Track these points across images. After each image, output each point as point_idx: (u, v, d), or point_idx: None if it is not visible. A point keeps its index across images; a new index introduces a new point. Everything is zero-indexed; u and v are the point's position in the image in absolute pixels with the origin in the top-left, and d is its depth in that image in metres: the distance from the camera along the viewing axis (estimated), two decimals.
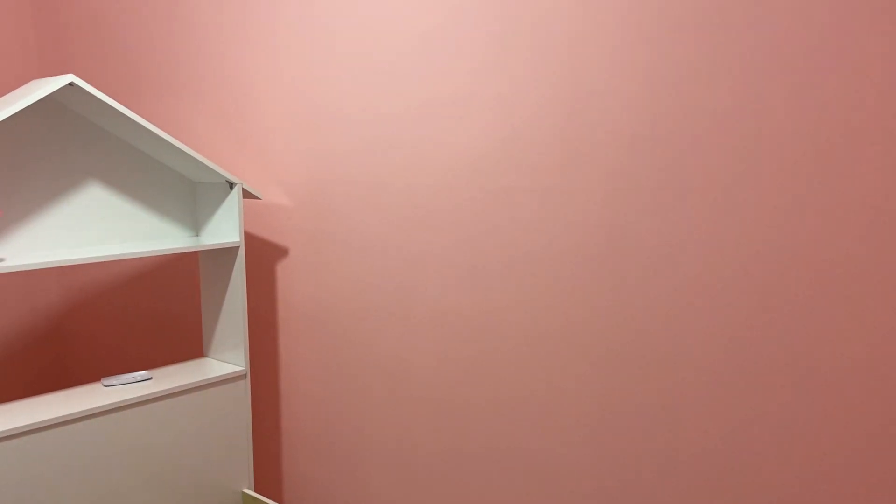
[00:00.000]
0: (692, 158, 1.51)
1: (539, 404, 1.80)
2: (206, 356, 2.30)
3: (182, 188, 2.23)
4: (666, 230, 1.56)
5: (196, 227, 2.27)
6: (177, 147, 1.99)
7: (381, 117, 1.99)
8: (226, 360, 2.22)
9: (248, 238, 2.40)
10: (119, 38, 2.71)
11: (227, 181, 2.12)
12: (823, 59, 1.35)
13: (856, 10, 1.31)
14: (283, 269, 2.31)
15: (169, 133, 2.57)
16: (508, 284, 1.81)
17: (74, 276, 3.08)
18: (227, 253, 2.16)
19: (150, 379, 2.06)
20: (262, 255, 2.37)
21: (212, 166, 2.05)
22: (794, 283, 1.42)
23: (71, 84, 1.76)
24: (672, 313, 1.57)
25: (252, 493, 2.16)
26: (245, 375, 2.16)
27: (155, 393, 1.97)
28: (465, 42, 1.80)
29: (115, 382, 2.02)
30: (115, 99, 2.76)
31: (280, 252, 2.32)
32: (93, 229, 2.05)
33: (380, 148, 2.01)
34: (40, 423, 1.76)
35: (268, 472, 2.46)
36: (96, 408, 1.86)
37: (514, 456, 1.86)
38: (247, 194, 2.20)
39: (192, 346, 2.63)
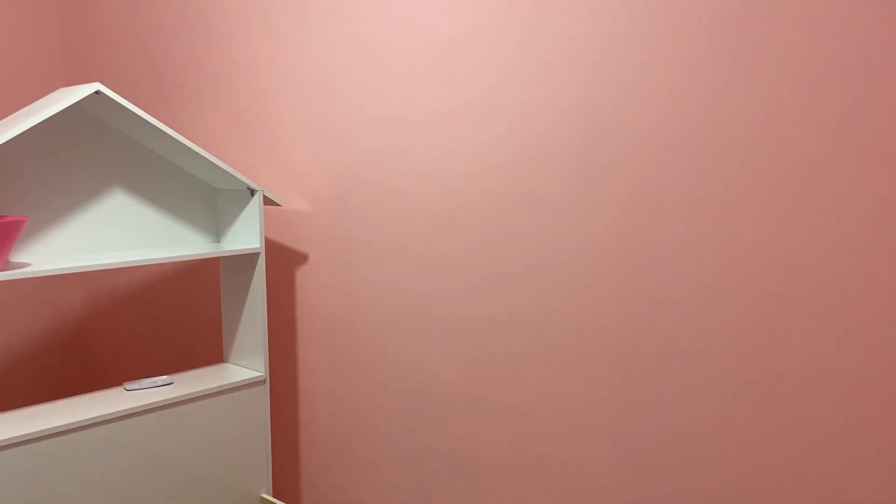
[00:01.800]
0: (712, 166, 1.50)
1: (559, 411, 1.80)
2: (226, 362, 2.31)
3: (204, 195, 2.25)
4: (686, 238, 1.56)
5: (218, 233, 2.30)
6: (199, 154, 2.01)
7: (401, 124, 2.00)
8: (245, 365, 2.23)
9: (268, 244, 2.42)
10: (142, 46, 2.74)
11: (249, 188, 2.14)
12: (842, 68, 1.34)
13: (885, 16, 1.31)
14: (303, 275, 2.33)
15: (190, 140, 2.60)
16: (528, 291, 1.82)
17: (98, 280, 3.11)
18: (248, 259, 2.18)
19: (172, 384, 2.08)
20: (282, 260, 2.39)
21: (233, 173, 2.07)
22: (814, 289, 1.41)
23: (97, 92, 1.79)
24: (692, 320, 1.57)
25: (271, 498, 2.17)
26: (264, 381, 2.18)
27: (176, 397, 1.99)
28: (488, 50, 1.81)
29: (136, 387, 2.05)
30: (137, 106, 2.79)
31: (299, 258, 2.33)
32: (116, 235, 2.08)
33: (400, 154, 2.02)
34: (63, 426, 1.78)
35: (286, 477, 2.47)
36: (119, 412, 1.88)
37: (534, 463, 1.86)
38: (267, 201, 2.22)
39: (211, 352, 2.65)
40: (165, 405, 1.98)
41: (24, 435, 1.72)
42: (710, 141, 1.50)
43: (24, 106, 3.03)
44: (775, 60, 1.41)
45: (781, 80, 1.41)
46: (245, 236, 2.19)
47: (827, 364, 1.41)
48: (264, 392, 2.18)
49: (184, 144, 1.98)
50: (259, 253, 2.15)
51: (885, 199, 1.33)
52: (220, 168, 2.06)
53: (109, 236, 2.07)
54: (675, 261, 1.58)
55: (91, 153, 2.01)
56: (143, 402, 1.93)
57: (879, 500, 1.38)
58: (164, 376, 2.12)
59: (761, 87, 1.43)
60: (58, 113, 1.93)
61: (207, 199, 2.26)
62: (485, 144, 1.84)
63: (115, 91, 2.88)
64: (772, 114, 1.43)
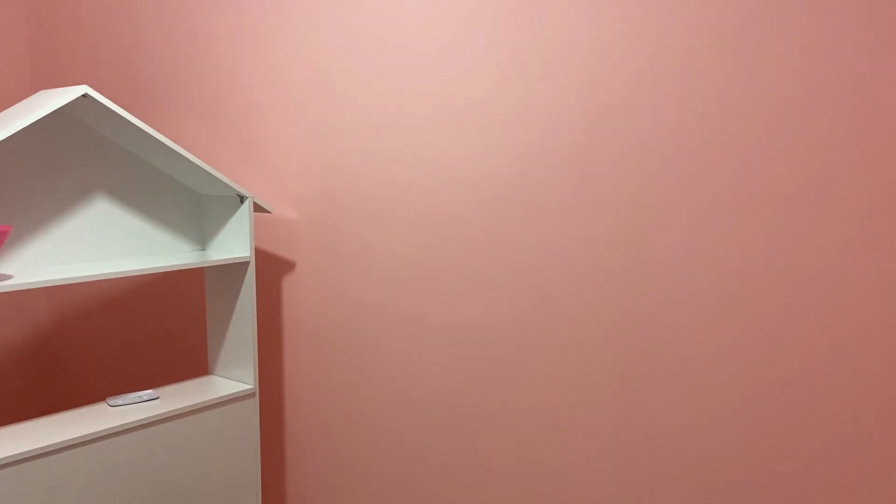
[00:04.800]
0: (713, 172, 1.50)
1: (556, 420, 1.78)
2: (212, 374, 2.24)
3: (188, 201, 2.18)
4: (685, 244, 1.55)
5: (202, 241, 2.22)
6: (188, 159, 1.94)
7: (393, 130, 1.96)
8: (233, 377, 2.16)
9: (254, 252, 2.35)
10: (116, 47, 2.64)
11: (238, 195, 2.07)
12: (845, 70, 1.35)
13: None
14: (289, 284, 2.27)
15: None
16: (524, 299, 1.79)
17: (74, 289, 2.99)
18: (236, 268, 2.11)
19: (158, 398, 2.00)
20: (267, 268, 2.32)
21: (223, 179, 2.00)
22: (815, 294, 1.41)
23: (85, 95, 1.70)
24: (691, 327, 1.56)
25: None
26: (254, 394, 2.11)
27: (164, 413, 1.91)
28: (483, 53, 1.77)
29: (121, 402, 1.96)
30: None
31: (286, 266, 2.27)
32: (98, 244, 1.99)
33: (392, 161, 1.97)
34: (49, 446, 1.69)
35: (273, 491, 2.40)
36: (107, 429, 1.79)
37: (531, 472, 1.83)
38: (256, 207, 2.15)
39: (194, 363, 2.57)
40: (153, 421, 1.90)
41: (5, 457, 1.63)
42: (711, 146, 1.50)
43: None
44: (776, 65, 1.41)
45: (783, 84, 1.41)
46: (232, 244, 2.12)
47: (828, 369, 1.42)
48: (254, 405, 2.11)
49: (172, 149, 1.90)
50: (249, 262, 2.08)
51: (887, 203, 1.34)
52: (208, 174, 1.99)
53: (91, 245, 1.98)
54: (675, 267, 1.57)
55: (72, 158, 1.92)
56: (131, 419, 1.85)
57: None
58: (149, 390, 2.04)
59: (763, 91, 1.43)
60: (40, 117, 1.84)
61: (192, 205, 2.19)
62: (479, 150, 1.81)
63: None
64: (773, 118, 1.42)
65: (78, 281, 1.72)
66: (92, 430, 1.77)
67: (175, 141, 2.52)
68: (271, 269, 2.31)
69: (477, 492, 1.94)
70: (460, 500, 1.97)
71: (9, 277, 1.68)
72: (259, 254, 2.33)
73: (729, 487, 1.56)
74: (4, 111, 1.89)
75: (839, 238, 1.40)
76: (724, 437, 1.56)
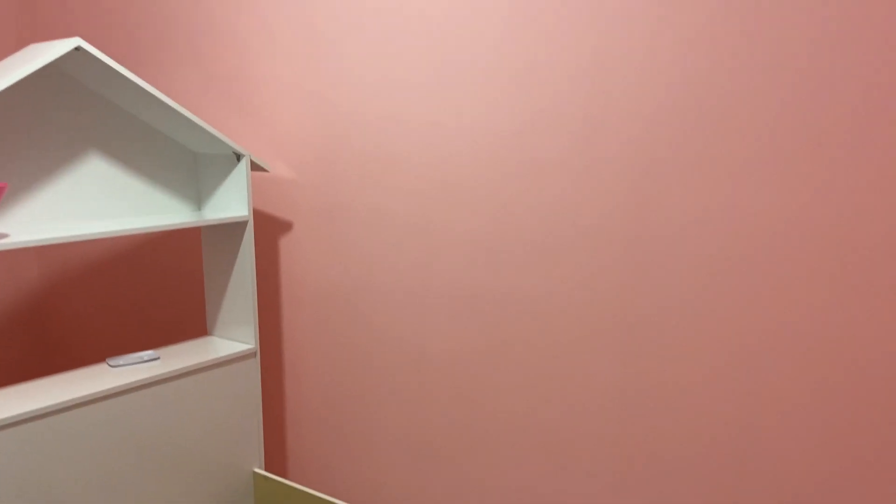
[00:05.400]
0: (719, 131, 1.48)
1: (560, 382, 1.78)
2: (211, 335, 2.22)
3: (183, 160, 2.14)
4: (692, 205, 1.53)
5: (198, 200, 2.19)
6: (184, 116, 1.90)
7: (396, 87, 1.92)
8: (233, 338, 2.15)
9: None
10: (111, 1, 2.57)
11: (235, 153, 2.03)
12: (845, 35, 1.32)
13: None
14: (288, 246, 2.24)
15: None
16: (530, 261, 1.78)
17: (67, 250, 2.95)
18: (234, 228, 2.08)
19: (158, 359, 1.99)
20: (265, 229, 2.30)
21: (220, 137, 1.96)
22: (822, 260, 1.40)
23: (77, 48, 1.65)
24: (697, 290, 1.55)
25: (263, 472, 2.11)
26: (255, 353, 2.10)
27: (165, 373, 1.90)
28: (486, 12, 1.73)
29: (121, 363, 1.95)
30: None
31: (284, 227, 2.24)
32: (92, 203, 1.96)
33: (394, 119, 1.94)
34: (49, 406, 1.68)
35: (274, 451, 2.41)
36: (108, 389, 1.78)
37: (533, 434, 1.84)
38: (253, 166, 2.11)
39: (193, 324, 2.55)
40: (155, 381, 1.89)
41: (5, 418, 1.62)
42: (720, 107, 1.47)
43: None
44: (789, 29, 1.38)
45: (795, 48, 1.38)
46: (230, 204, 2.09)
47: (831, 325, 1.42)
48: (255, 365, 2.10)
49: (169, 106, 1.86)
50: (247, 221, 2.05)
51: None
52: (204, 131, 1.95)
53: (85, 204, 1.94)
54: (682, 229, 1.56)
55: (65, 115, 1.88)
56: (132, 379, 1.84)
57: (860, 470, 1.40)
58: (149, 351, 2.03)
59: (774, 52, 1.40)
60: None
61: (187, 164, 2.15)
62: (485, 109, 1.78)
63: None
64: (786, 80, 1.40)
65: (72, 240, 1.69)
66: (93, 391, 1.76)
67: (170, 97, 2.46)
68: (268, 229, 2.29)
69: (479, 449, 1.94)
70: (463, 457, 1.98)
71: (5, 236, 1.65)
72: (256, 214, 2.30)
73: (731, 446, 1.57)
74: None
75: (856, 206, 1.38)
76: (727, 398, 1.56)
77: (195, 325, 2.54)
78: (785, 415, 1.50)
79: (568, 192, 1.70)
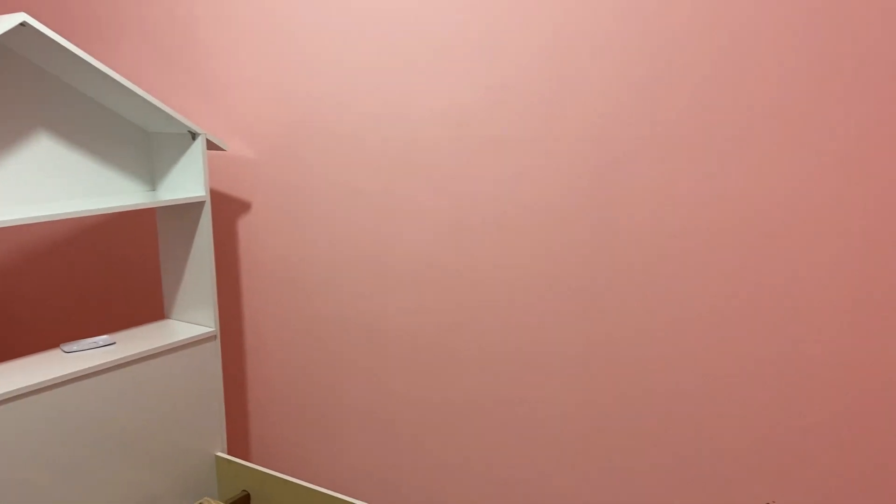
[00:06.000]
0: (680, 110, 1.49)
1: (522, 357, 1.78)
2: (169, 318, 2.18)
3: (136, 139, 2.08)
4: (652, 178, 1.54)
5: (152, 181, 2.13)
6: (135, 93, 1.84)
7: (356, 63, 1.89)
8: (192, 320, 2.11)
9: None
10: None
11: (190, 131, 1.98)
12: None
13: None
14: (246, 225, 2.20)
15: None
16: (492, 235, 1.77)
17: (18, 235, 2.86)
18: (191, 208, 2.04)
19: (114, 344, 1.94)
20: (222, 210, 2.25)
21: (174, 115, 1.91)
22: (779, 223, 1.43)
23: (23, 24, 1.59)
24: (658, 265, 1.57)
25: (226, 455, 2.09)
26: (215, 336, 2.06)
27: (121, 358, 1.85)
28: None
29: (75, 348, 1.90)
30: None
31: (242, 207, 2.20)
32: (41, 185, 1.89)
33: (354, 95, 1.91)
34: (2, 395, 1.63)
35: (237, 434, 2.38)
36: (62, 376, 1.73)
37: (498, 407, 1.85)
38: (209, 145, 2.06)
39: (149, 308, 2.49)
40: (111, 367, 1.84)
41: None
42: (681, 81, 1.48)
43: None
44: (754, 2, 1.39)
45: (759, 20, 1.39)
46: (185, 184, 2.04)
47: (795, 301, 1.44)
48: (215, 348, 2.07)
49: (119, 83, 1.80)
50: (204, 201, 2.01)
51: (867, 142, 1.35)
52: (157, 109, 1.90)
53: (34, 186, 1.88)
54: (644, 204, 1.57)
55: (10, 94, 1.80)
56: (87, 365, 1.79)
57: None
58: (104, 336, 1.98)
59: (738, 25, 1.41)
60: None
61: (140, 143, 2.09)
62: (446, 86, 1.76)
63: None
64: (749, 54, 1.41)
65: (20, 223, 1.63)
66: (47, 377, 1.71)
67: (121, 74, 2.39)
68: (226, 209, 2.24)
69: (443, 426, 1.95)
70: (427, 434, 1.98)
71: None
72: (213, 194, 2.25)
73: (692, 413, 1.60)
74: None
75: (826, 169, 1.41)
76: (692, 368, 1.58)
77: (152, 308, 2.49)
78: (741, 385, 1.53)
79: (530, 168, 1.69)
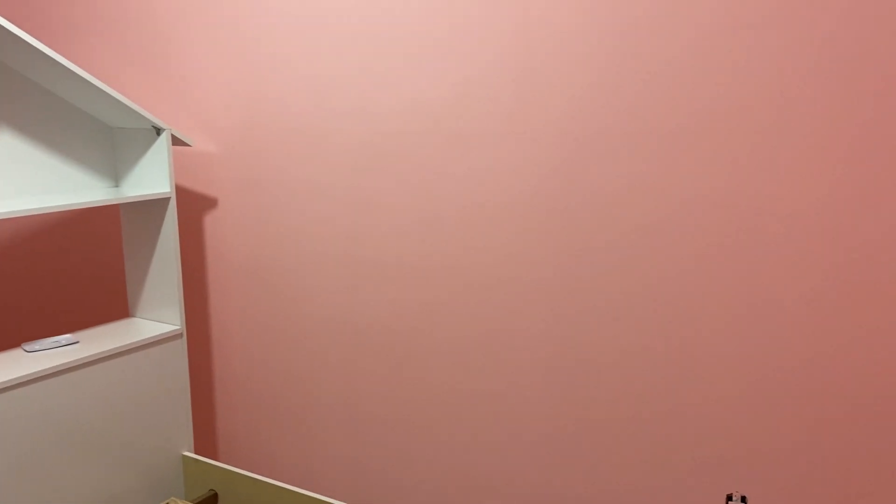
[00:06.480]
0: (648, 98, 1.50)
1: (492, 349, 1.79)
2: (134, 316, 2.15)
3: (99, 135, 2.04)
4: (621, 176, 1.56)
5: (115, 177, 2.10)
6: (100, 89, 1.81)
7: (322, 59, 1.88)
8: (157, 318, 2.08)
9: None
10: None
11: (154, 127, 1.95)
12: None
13: None
14: (213, 222, 2.18)
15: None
16: (462, 230, 1.78)
17: None
18: (156, 205, 2.01)
19: (77, 343, 1.91)
20: (188, 206, 2.22)
21: (138, 110, 1.88)
22: (738, 227, 1.46)
23: None
24: (625, 256, 1.59)
25: (193, 455, 2.06)
26: (181, 334, 2.04)
27: (85, 357, 1.82)
28: None
29: (37, 348, 1.86)
30: None
31: (208, 203, 2.18)
32: (1, 180, 1.85)
33: (321, 92, 1.90)
34: None
35: (205, 433, 2.36)
36: (23, 376, 1.70)
37: (469, 401, 1.86)
38: (172, 141, 2.04)
39: (113, 306, 2.46)
40: (74, 366, 1.81)
41: None
42: (646, 79, 1.50)
43: None
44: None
45: (719, 23, 1.42)
46: (150, 180, 2.01)
47: (763, 294, 1.47)
48: (182, 346, 2.04)
49: (83, 79, 1.77)
50: (169, 198, 1.98)
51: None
52: (120, 104, 1.87)
53: None
54: (610, 200, 1.58)
55: None
56: (50, 365, 1.76)
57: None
58: (68, 335, 1.95)
59: (701, 28, 1.43)
60: None
61: (103, 139, 2.05)
62: (412, 80, 1.76)
63: None
64: (711, 53, 1.44)
65: None
66: (9, 377, 1.68)
67: (85, 70, 2.34)
68: (191, 205, 2.22)
69: (415, 420, 1.95)
70: (398, 429, 1.98)
71: None
72: (178, 190, 2.22)
73: (652, 404, 1.62)
74: None
75: (790, 164, 1.43)
76: (651, 361, 1.61)
77: (116, 306, 2.45)
78: (712, 380, 1.56)
79: (498, 163, 1.70)
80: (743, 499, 1.56)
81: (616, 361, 1.65)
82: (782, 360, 1.48)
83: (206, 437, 2.35)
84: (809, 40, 1.36)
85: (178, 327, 2.03)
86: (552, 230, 1.67)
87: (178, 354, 2.04)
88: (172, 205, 1.98)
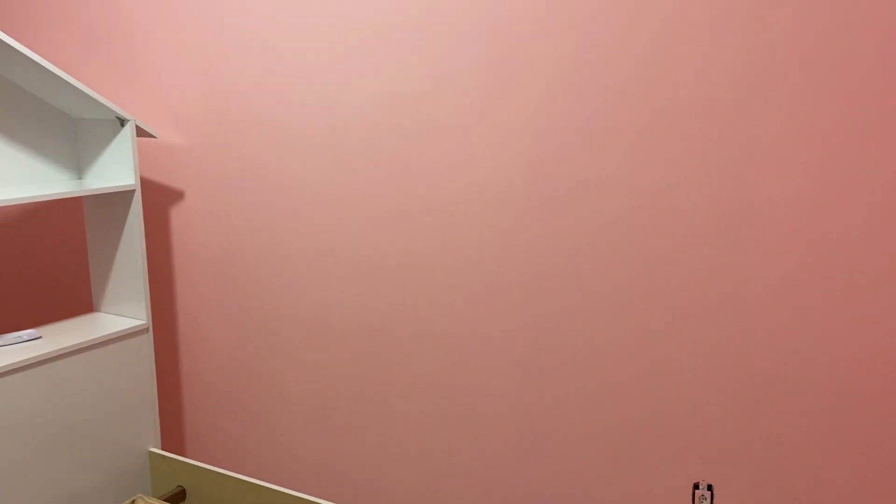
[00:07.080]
0: (621, 90, 1.51)
1: (464, 344, 1.80)
2: (98, 311, 2.11)
3: (61, 126, 2.00)
4: (593, 170, 1.57)
5: (78, 169, 2.06)
6: (62, 79, 1.77)
7: (288, 48, 1.86)
8: (122, 313, 2.05)
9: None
10: None
11: (119, 118, 1.92)
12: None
13: None
14: (179, 215, 2.15)
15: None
16: (433, 223, 1.77)
17: None
18: (120, 197, 1.97)
19: (40, 338, 1.87)
20: (153, 199, 2.19)
21: (102, 101, 1.84)
22: (719, 217, 1.47)
23: None
24: (602, 247, 1.60)
25: (160, 451, 2.04)
26: (147, 329, 2.01)
27: (48, 353, 1.79)
28: None
29: None
30: None
31: (174, 196, 2.14)
32: None
33: (290, 82, 1.88)
34: None
35: (172, 429, 2.33)
36: None
37: (438, 395, 1.85)
38: (138, 132, 2.00)
39: (76, 301, 2.41)
40: (37, 362, 1.77)
41: None
42: (616, 71, 1.51)
43: None
44: None
45: (689, 14, 1.43)
46: (114, 172, 1.98)
47: (731, 293, 1.49)
48: (148, 341, 2.01)
49: (44, 68, 1.73)
50: (134, 190, 1.95)
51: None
52: (84, 95, 1.83)
53: None
54: (583, 193, 1.59)
55: None
56: (12, 361, 1.72)
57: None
58: (30, 330, 1.91)
59: (671, 27, 1.44)
60: None
61: (66, 130, 2.01)
62: (383, 72, 1.75)
63: None
64: (680, 48, 1.45)
65: None
66: None
67: (46, 59, 2.29)
68: (157, 198, 2.18)
69: (387, 416, 1.94)
70: (367, 423, 1.97)
71: None
72: (143, 182, 2.19)
73: (624, 406, 1.63)
74: None
75: (758, 157, 1.45)
76: (623, 361, 1.62)
77: (80, 301, 2.40)
78: (683, 372, 1.58)
79: (470, 156, 1.70)
80: (709, 487, 1.58)
81: (589, 356, 1.66)
82: (752, 352, 1.50)
83: (173, 433, 2.32)
84: (780, 32, 1.38)
85: (143, 322, 2.00)
86: (526, 224, 1.67)
87: (144, 349, 2.01)
88: (137, 197, 1.95)
